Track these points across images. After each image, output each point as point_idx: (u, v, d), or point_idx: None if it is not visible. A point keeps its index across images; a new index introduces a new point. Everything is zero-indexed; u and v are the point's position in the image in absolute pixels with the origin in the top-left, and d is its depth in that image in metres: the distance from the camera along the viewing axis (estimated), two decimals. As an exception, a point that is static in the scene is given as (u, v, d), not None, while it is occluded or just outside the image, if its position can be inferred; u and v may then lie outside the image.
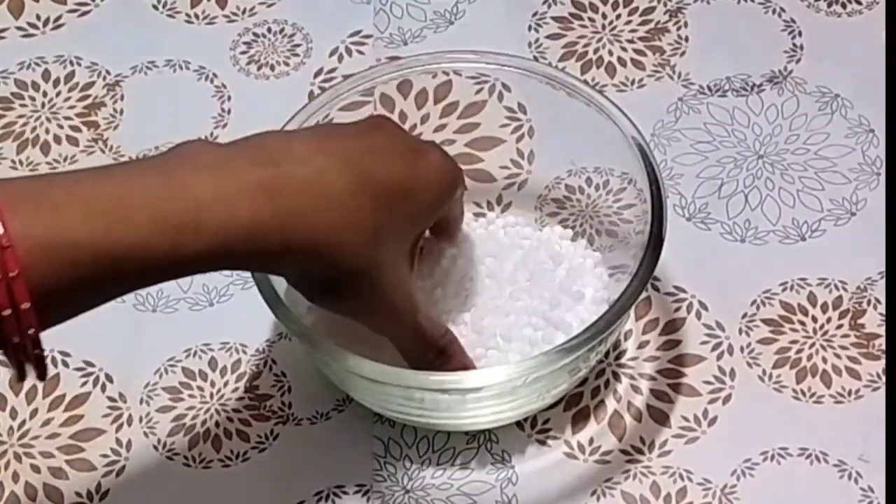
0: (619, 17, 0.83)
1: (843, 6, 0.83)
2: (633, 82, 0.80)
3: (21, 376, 0.51)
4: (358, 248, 0.56)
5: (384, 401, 0.66)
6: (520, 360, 0.63)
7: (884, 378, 0.68)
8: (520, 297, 0.67)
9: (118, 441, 0.69)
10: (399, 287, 0.60)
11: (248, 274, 0.73)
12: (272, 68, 0.82)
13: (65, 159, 0.79)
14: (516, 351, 0.66)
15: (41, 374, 0.51)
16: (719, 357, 0.70)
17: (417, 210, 0.60)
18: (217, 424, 0.69)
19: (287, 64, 0.82)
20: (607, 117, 0.67)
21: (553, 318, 0.66)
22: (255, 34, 0.84)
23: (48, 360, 0.71)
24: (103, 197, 0.50)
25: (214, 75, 0.82)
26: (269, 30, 0.84)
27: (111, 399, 0.70)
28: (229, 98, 0.81)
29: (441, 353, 0.63)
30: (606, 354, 0.70)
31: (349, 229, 0.56)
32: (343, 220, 0.55)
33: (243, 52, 0.83)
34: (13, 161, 0.79)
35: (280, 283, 0.64)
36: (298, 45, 0.83)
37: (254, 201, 0.53)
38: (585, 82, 0.71)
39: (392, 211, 0.57)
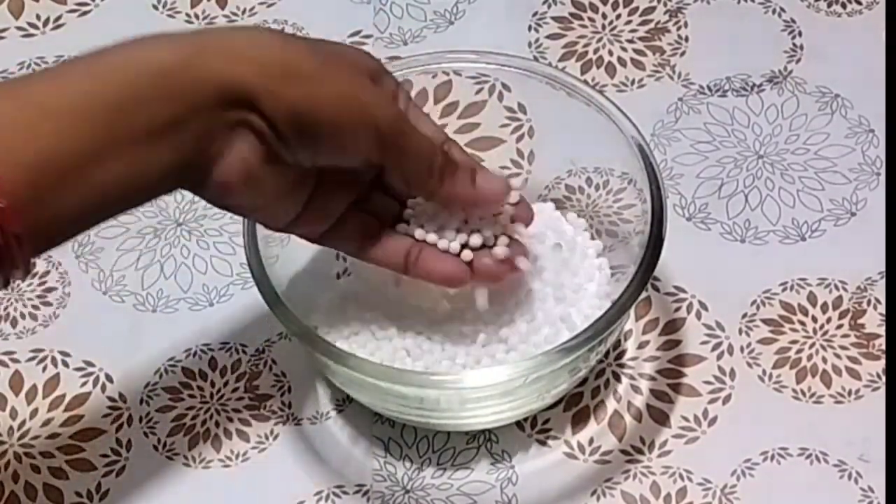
0: (619, 17, 0.83)
1: (843, 6, 0.83)
2: (633, 82, 0.80)
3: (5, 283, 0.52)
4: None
5: (384, 401, 0.66)
6: (520, 360, 0.63)
7: (884, 378, 0.68)
8: (523, 291, 0.67)
9: (118, 441, 0.69)
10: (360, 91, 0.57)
11: (248, 274, 0.73)
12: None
13: (65, 159, 0.79)
14: (517, 349, 0.66)
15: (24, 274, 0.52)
16: (719, 357, 0.70)
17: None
18: (217, 424, 0.69)
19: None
20: (607, 117, 0.67)
21: (555, 314, 0.66)
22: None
23: (48, 361, 0.71)
24: None
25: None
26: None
27: (111, 399, 0.70)
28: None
29: (446, 156, 0.60)
30: (606, 354, 0.70)
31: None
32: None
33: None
34: (13, 161, 0.79)
35: (280, 283, 0.64)
36: (298, 45, 0.83)
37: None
38: (585, 82, 0.71)
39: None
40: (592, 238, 0.71)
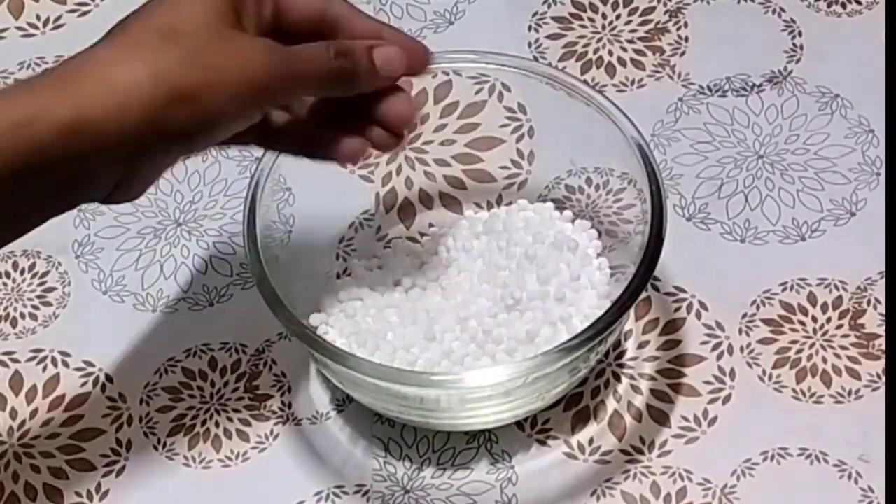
0: (619, 17, 0.83)
1: (843, 6, 0.83)
2: (633, 82, 0.80)
3: None
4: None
5: (384, 401, 0.66)
6: (520, 360, 0.63)
7: (884, 378, 0.68)
8: (523, 291, 0.67)
9: (118, 441, 0.69)
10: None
11: (249, 273, 0.73)
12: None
13: (65, 159, 0.79)
14: (518, 349, 0.66)
15: None
16: (719, 357, 0.70)
17: None
18: (217, 424, 0.69)
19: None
20: (607, 117, 0.67)
21: (555, 314, 0.66)
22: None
23: (48, 361, 0.71)
24: None
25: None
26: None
27: (111, 399, 0.70)
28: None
29: (337, 48, 0.58)
30: (606, 354, 0.70)
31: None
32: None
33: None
34: (13, 161, 0.79)
35: (280, 283, 0.64)
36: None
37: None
38: (585, 82, 0.71)
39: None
40: (592, 239, 0.71)
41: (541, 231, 0.70)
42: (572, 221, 0.71)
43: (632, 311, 0.69)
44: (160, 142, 0.54)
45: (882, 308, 0.71)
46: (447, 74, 0.72)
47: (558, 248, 0.69)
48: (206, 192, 0.77)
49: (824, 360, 0.69)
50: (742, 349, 0.70)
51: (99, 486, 0.67)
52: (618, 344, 0.70)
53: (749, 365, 0.69)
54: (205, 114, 0.54)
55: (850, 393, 0.68)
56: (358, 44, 0.59)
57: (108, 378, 0.71)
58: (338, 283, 0.70)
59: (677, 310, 0.71)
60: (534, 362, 0.61)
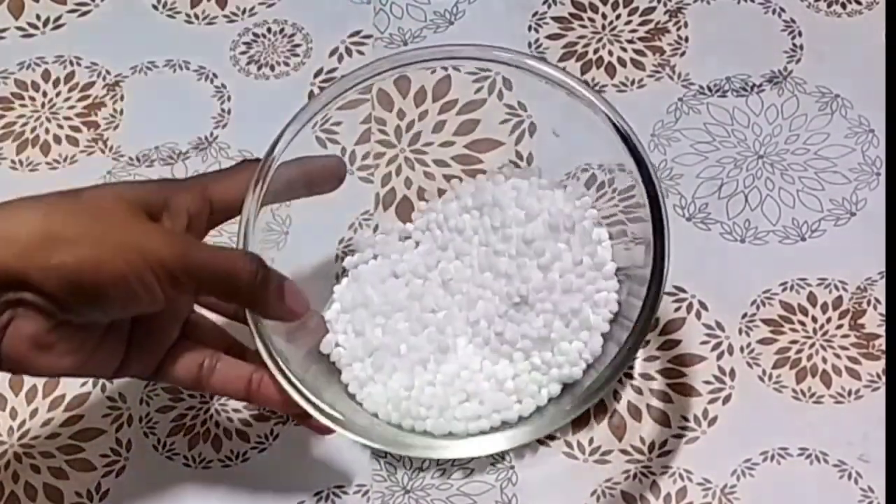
0: (619, 17, 0.83)
1: (843, 6, 0.83)
2: (633, 82, 0.80)
3: None
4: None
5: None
6: (520, 427, 0.64)
7: (884, 378, 0.68)
8: (527, 284, 0.66)
9: (118, 441, 0.69)
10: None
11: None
12: (272, 68, 0.82)
13: (65, 159, 0.79)
14: (532, 349, 0.66)
15: None
16: (719, 357, 0.70)
17: None
18: (217, 424, 0.69)
19: (287, 64, 0.82)
20: (606, 118, 0.66)
21: (565, 306, 0.66)
22: (254, 34, 0.84)
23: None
24: None
25: (214, 75, 0.82)
26: (268, 30, 0.84)
27: (111, 399, 0.70)
28: (229, 98, 0.81)
29: (260, 272, 0.60)
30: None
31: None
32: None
33: (243, 53, 0.83)
34: (13, 161, 0.79)
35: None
36: (298, 46, 0.83)
37: None
38: (585, 83, 0.70)
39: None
40: (587, 208, 0.69)
41: (532, 204, 0.68)
42: (563, 188, 0.70)
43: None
44: (40, 280, 0.54)
45: (882, 308, 0.71)
46: (446, 70, 0.72)
47: (555, 229, 0.67)
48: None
49: (824, 360, 0.69)
50: (742, 349, 0.70)
51: (99, 486, 0.67)
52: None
53: (749, 365, 0.69)
54: (98, 264, 0.55)
55: (850, 393, 0.68)
56: (275, 271, 0.61)
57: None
58: (338, 288, 0.70)
59: (677, 310, 0.71)
60: (532, 427, 0.62)
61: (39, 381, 0.71)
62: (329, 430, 0.62)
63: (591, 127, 0.68)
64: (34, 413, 0.70)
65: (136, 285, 0.56)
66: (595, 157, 0.71)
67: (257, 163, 0.63)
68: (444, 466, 0.67)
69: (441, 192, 0.74)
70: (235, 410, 0.69)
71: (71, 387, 0.70)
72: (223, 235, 0.76)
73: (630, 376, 0.69)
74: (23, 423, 0.69)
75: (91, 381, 0.70)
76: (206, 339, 0.63)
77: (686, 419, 0.68)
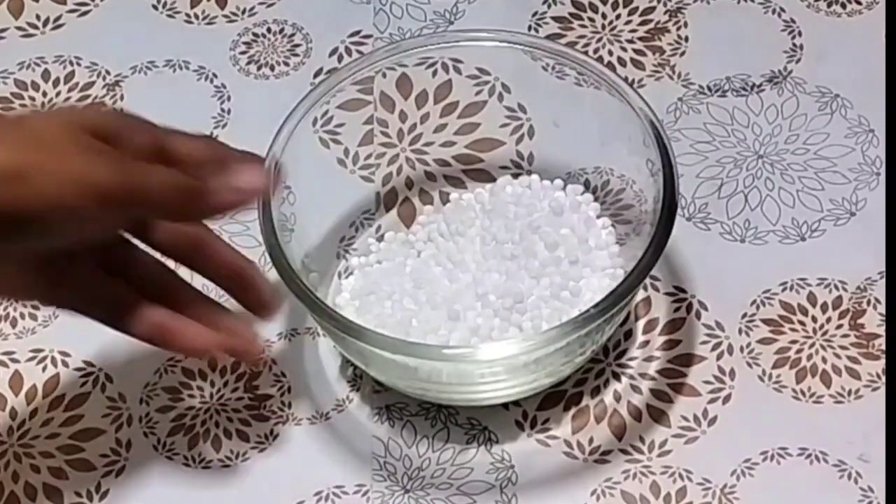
0: (619, 17, 0.83)
1: (843, 6, 0.83)
2: (633, 82, 0.80)
3: None
4: None
5: (401, 377, 0.66)
6: (530, 335, 0.63)
7: (884, 378, 0.68)
8: (534, 259, 0.67)
9: (118, 441, 0.69)
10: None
11: (248, 274, 0.73)
12: (272, 68, 0.82)
13: (65, 159, 0.79)
14: (541, 317, 0.66)
15: None
16: (719, 357, 0.70)
17: None
18: (217, 424, 0.69)
19: (287, 64, 0.82)
20: (621, 101, 0.67)
21: (572, 275, 0.66)
22: (254, 34, 0.84)
23: (48, 361, 0.71)
24: None
25: (214, 75, 0.82)
26: (268, 30, 0.84)
27: (111, 399, 0.70)
28: (229, 98, 0.81)
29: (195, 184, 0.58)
30: (606, 354, 0.70)
31: None
32: None
33: (243, 52, 0.83)
34: (13, 161, 0.79)
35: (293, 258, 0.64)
36: (298, 46, 0.83)
37: None
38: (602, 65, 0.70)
39: None
40: (590, 202, 0.71)
41: (534, 203, 0.69)
42: (563, 189, 0.71)
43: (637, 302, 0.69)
44: None
45: (882, 308, 0.71)
46: (447, 72, 0.72)
47: (558, 213, 0.68)
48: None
49: (824, 360, 0.69)
50: (742, 349, 0.70)
51: (99, 485, 0.67)
52: (618, 344, 0.70)
53: (749, 365, 0.69)
54: (36, 196, 0.53)
55: (850, 393, 0.68)
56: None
57: (108, 378, 0.71)
58: (343, 283, 0.70)
59: (677, 310, 0.71)
60: (545, 337, 0.62)
61: (39, 381, 0.71)
62: (261, 353, 0.63)
63: (597, 104, 0.68)
64: (34, 413, 0.70)
65: (73, 216, 0.54)
66: (595, 141, 0.71)
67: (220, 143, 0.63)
68: (444, 466, 0.67)
69: (442, 195, 0.74)
70: (235, 411, 0.69)
71: (71, 387, 0.70)
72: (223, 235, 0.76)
73: (631, 376, 0.70)
74: (23, 423, 0.69)
75: (91, 380, 0.70)
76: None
77: (686, 419, 0.68)
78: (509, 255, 0.68)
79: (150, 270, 0.62)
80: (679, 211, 0.74)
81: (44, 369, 0.71)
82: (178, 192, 0.57)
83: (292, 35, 0.84)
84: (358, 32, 0.84)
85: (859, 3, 0.83)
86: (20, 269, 0.58)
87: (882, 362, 0.69)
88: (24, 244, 0.55)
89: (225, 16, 0.85)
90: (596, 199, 0.71)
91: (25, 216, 0.53)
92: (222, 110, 0.80)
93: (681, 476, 0.66)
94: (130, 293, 0.61)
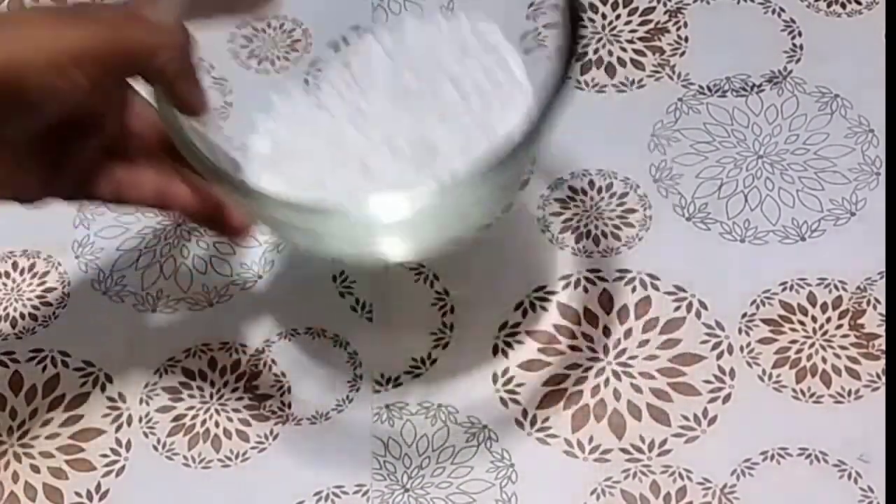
0: (618, 17, 0.83)
1: (843, 6, 0.83)
2: (633, 82, 0.80)
3: None
4: None
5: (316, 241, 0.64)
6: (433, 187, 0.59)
7: (883, 378, 0.68)
8: (443, 103, 0.64)
9: (118, 441, 0.69)
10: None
11: (248, 274, 0.73)
12: (272, 63, 0.82)
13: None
14: (455, 161, 0.62)
15: None
16: (719, 356, 0.70)
17: None
18: (217, 424, 0.69)
19: (287, 59, 0.82)
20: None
21: (486, 119, 0.63)
22: (254, 29, 0.84)
23: (48, 361, 0.71)
24: None
25: (212, 67, 0.82)
26: (268, 24, 0.84)
27: (111, 399, 0.70)
28: (231, 91, 0.81)
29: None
30: (606, 353, 0.70)
31: None
32: None
33: (243, 46, 0.83)
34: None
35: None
36: (298, 41, 0.83)
37: None
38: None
39: None
40: (495, 32, 0.67)
41: (436, 44, 0.67)
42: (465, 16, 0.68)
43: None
44: None
45: (882, 308, 0.71)
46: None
47: (463, 50, 0.65)
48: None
49: (824, 360, 0.69)
50: (742, 349, 0.70)
51: (99, 486, 0.67)
52: (618, 343, 0.71)
53: (749, 364, 0.70)
54: (10, 64, 0.53)
55: (849, 393, 0.68)
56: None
57: (108, 378, 0.71)
58: (253, 138, 0.69)
59: (677, 309, 0.72)
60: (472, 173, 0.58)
61: (39, 381, 0.71)
62: (245, 230, 0.62)
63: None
64: (34, 413, 0.70)
65: (58, 78, 0.54)
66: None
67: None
68: (444, 465, 0.67)
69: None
70: (235, 410, 0.69)
71: (71, 387, 0.70)
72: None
73: (630, 375, 0.70)
74: (22, 423, 0.69)
75: (91, 380, 0.70)
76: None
77: (686, 418, 0.68)
78: (415, 91, 0.64)
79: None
80: (679, 211, 0.75)
81: (44, 369, 0.71)
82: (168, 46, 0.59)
83: (292, 30, 0.84)
84: (357, 28, 0.83)
85: (859, 3, 0.83)
86: (17, 159, 0.58)
87: (882, 362, 0.69)
88: (15, 122, 0.55)
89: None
90: (599, 200, 0.70)
91: (15, 87, 0.53)
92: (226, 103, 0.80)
93: (681, 475, 0.66)
94: (124, 163, 0.62)
